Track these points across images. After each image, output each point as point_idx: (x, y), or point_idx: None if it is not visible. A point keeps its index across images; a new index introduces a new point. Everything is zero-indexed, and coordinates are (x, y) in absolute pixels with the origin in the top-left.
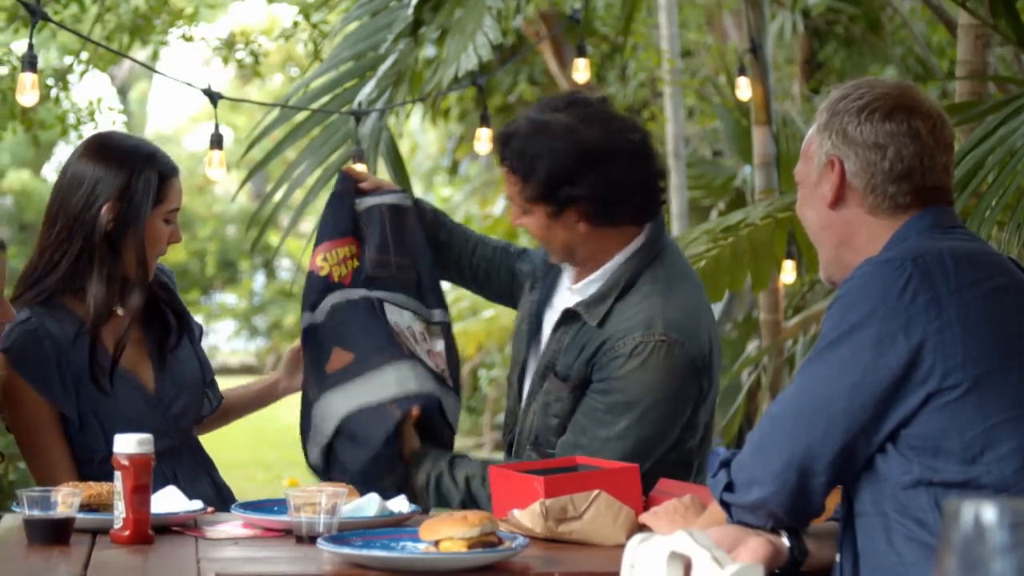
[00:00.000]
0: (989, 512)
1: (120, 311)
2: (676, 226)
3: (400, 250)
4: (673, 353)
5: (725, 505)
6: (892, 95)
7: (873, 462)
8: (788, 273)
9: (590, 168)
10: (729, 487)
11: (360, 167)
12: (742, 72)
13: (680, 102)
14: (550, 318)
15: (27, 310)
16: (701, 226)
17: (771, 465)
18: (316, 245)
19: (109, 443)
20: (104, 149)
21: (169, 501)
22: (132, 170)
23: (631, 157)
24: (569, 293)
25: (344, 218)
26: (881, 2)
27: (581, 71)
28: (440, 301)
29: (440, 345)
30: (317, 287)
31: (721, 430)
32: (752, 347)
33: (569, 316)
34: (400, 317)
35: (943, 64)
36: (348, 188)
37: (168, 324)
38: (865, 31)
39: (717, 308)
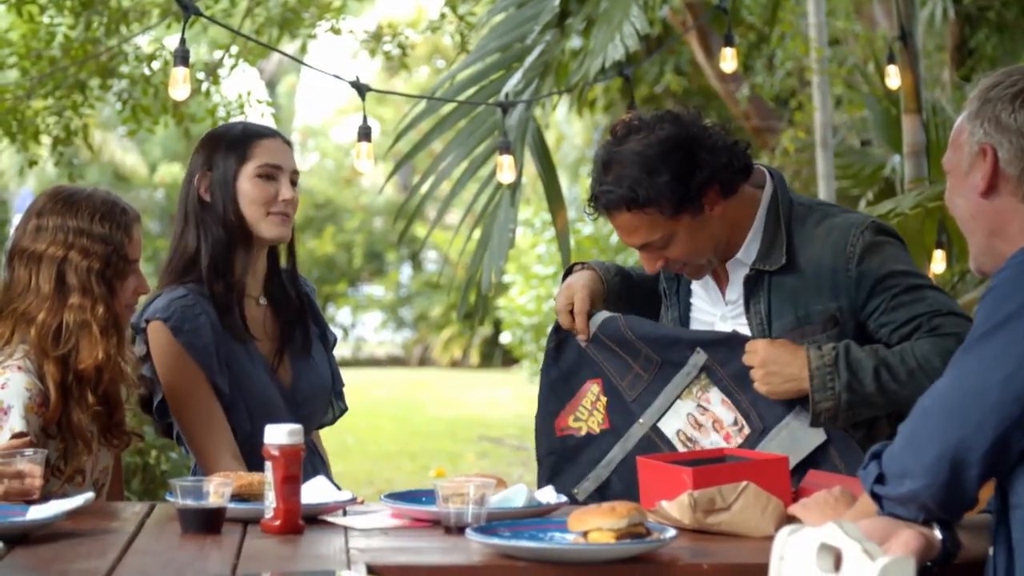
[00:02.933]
0: None
1: (257, 297)
2: None
3: (635, 353)
4: None
5: (876, 497)
6: None
7: None
8: (938, 263)
9: (687, 152)
10: (880, 479)
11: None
12: (891, 60)
13: (828, 91)
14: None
15: (182, 288)
16: None
17: (923, 457)
18: (554, 416)
19: (254, 423)
20: (205, 136)
21: (319, 491)
22: (213, 145)
23: (697, 126)
24: (713, 293)
25: (571, 369)
26: None
27: (729, 60)
28: (690, 344)
29: (714, 393)
30: (582, 446)
31: None
32: None
33: (752, 281)
34: (678, 420)
35: None
36: (561, 338)
37: (307, 326)
38: (1018, 16)
39: None
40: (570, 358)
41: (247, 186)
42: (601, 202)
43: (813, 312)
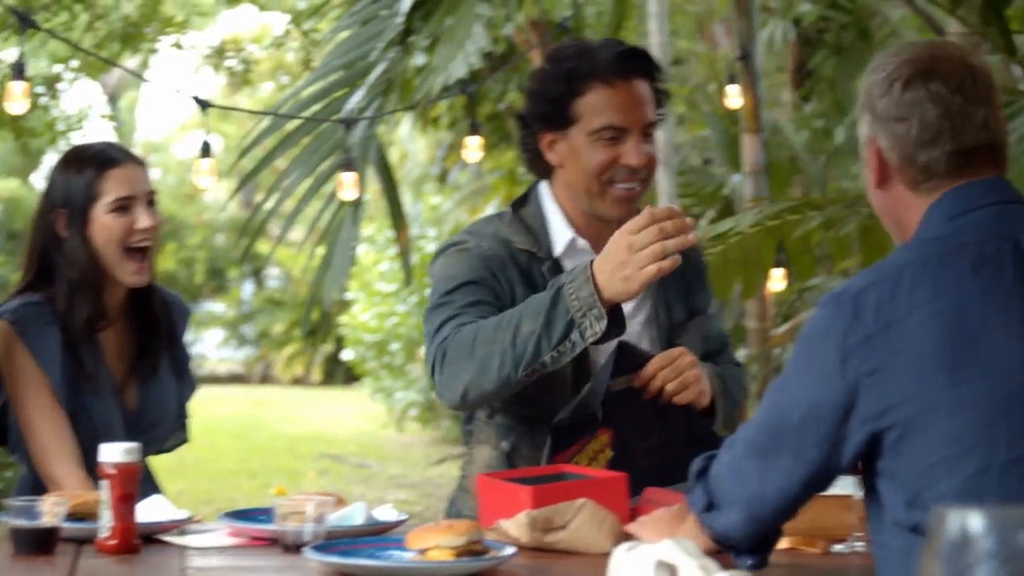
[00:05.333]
0: (975, 520)
1: (105, 320)
2: None
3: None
4: None
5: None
6: (913, 60)
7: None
8: (777, 281)
9: None
10: (710, 506)
11: None
12: (732, 80)
13: (671, 110)
14: None
15: (40, 295)
16: None
17: (740, 493)
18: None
19: (91, 443)
20: (62, 158)
21: (155, 510)
22: (69, 173)
23: None
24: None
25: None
26: (871, 10)
27: None
28: None
29: None
30: None
31: None
32: (741, 355)
33: None
34: None
35: None
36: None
37: (160, 350)
38: (855, 39)
39: None
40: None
41: (100, 224)
42: (643, 57)
43: (697, 302)
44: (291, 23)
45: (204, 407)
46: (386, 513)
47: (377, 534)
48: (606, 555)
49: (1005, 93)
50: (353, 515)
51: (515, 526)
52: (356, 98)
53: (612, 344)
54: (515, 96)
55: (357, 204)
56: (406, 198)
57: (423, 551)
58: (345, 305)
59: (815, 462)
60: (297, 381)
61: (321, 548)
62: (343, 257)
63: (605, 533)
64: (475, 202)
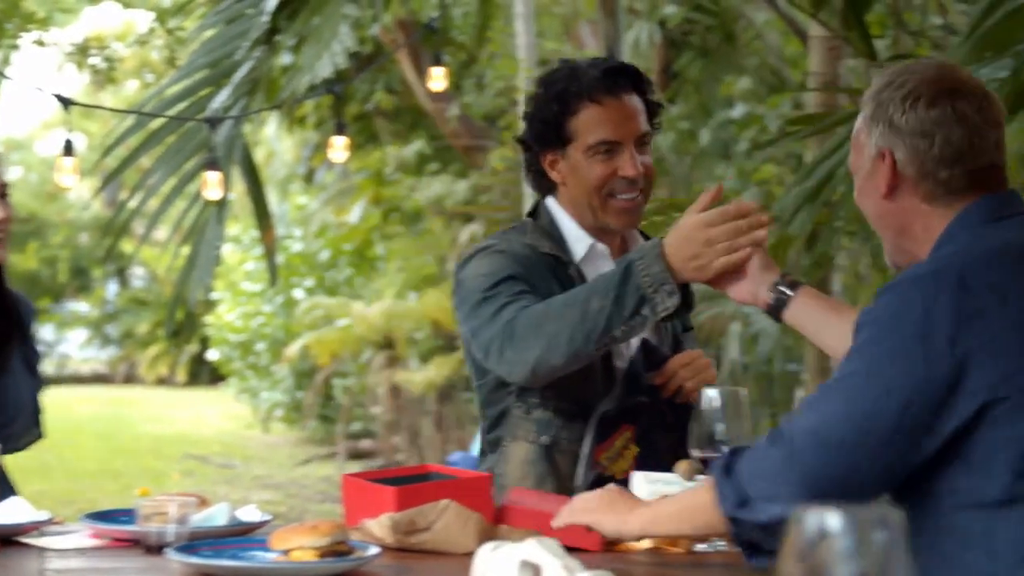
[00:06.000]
0: (833, 519)
1: None
2: None
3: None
4: None
5: (734, 522)
6: (934, 80)
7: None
8: None
9: None
10: (745, 503)
11: None
12: None
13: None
14: None
15: None
16: None
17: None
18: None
19: None
20: None
21: (14, 511)
22: None
23: None
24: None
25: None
26: (736, 13)
27: (438, 79)
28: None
29: None
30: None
31: None
32: None
33: None
34: None
35: (796, 75)
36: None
37: (11, 346)
38: (721, 42)
39: None
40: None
41: None
42: (630, 72)
43: (686, 319)
44: (156, 21)
45: (67, 407)
46: (250, 514)
47: (240, 535)
48: (470, 555)
49: None
50: (216, 516)
51: (379, 527)
52: (221, 97)
53: (634, 340)
54: (382, 96)
55: (222, 203)
56: (272, 198)
57: (287, 552)
58: (210, 305)
59: (906, 448)
60: (162, 381)
61: (184, 549)
62: (208, 257)
63: (469, 533)
64: (341, 202)
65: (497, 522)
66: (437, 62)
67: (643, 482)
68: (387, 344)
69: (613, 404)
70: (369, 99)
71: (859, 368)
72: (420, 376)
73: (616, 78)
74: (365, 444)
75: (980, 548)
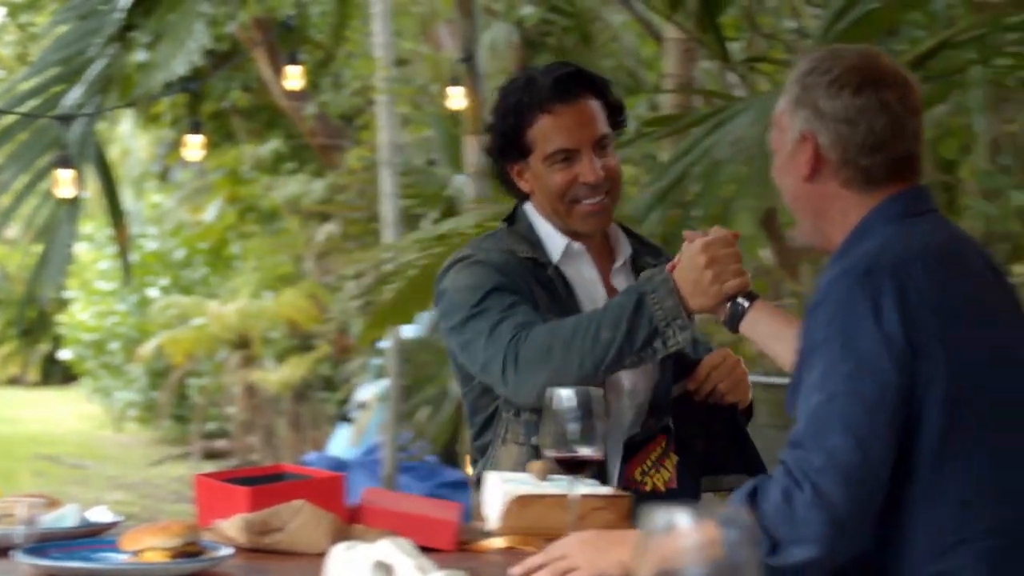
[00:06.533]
0: (682, 516)
1: None
2: (388, 234)
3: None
4: None
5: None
6: (859, 67)
7: None
8: None
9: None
10: (775, 548)
11: None
12: (455, 82)
13: (394, 111)
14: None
15: None
16: (412, 235)
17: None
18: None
19: None
20: None
21: None
22: None
23: None
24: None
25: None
26: (592, 14)
27: (293, 78)
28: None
29: None
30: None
31: (430, 437)
32: None
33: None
34: None
35: (652, 77)
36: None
37: None
38: (577, 43)
39: (427, 317)
40: None
41: None
42: (584, 77)
43: None
44: (7, 16)
45: None
46: (100, 514)
47: (91, 536)
48: (324, 555)
49: (721, 98)
50: (66, 517)
51: (232, 527)
52: (74, 94)
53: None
54: (238, 94)
55: (74, 201)
56: (127, 196)
57: (137, 553)
58: (63, 304)
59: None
60: (13, 381)
61: (32, 551)
62: (60, 255)
63: (323, 533)
64: (197, 201)
65: (352, 522)
66: (293, 61)
67: (498, 481)
68: (242, 343)
69: (638, 429)
70: (225, 97)
71: (839, 390)
72: (275, 376)
73: (568, 85)
74: (220, 444)
75: None
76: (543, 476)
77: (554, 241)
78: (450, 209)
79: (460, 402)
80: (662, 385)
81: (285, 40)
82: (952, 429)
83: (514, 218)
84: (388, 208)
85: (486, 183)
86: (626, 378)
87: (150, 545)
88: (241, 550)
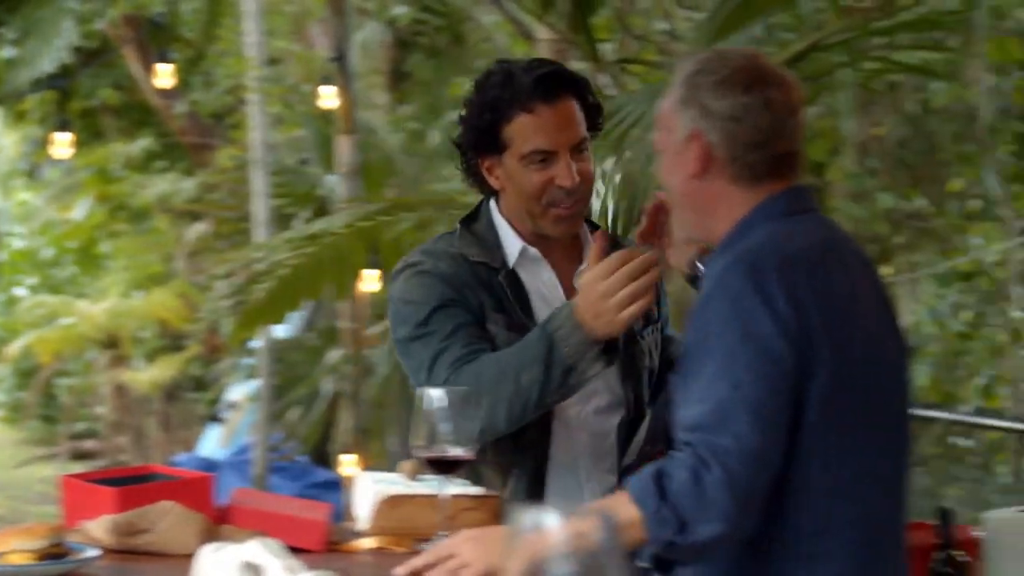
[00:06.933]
0: (550, 517)
1: None
2: (259, 234)
3: None
4: None
5: (671, 546)
6: (745, 68)
7: None
8: (370, 282)
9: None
10: (683, 527)
11: None
12: (327, 81)
13: (265, 110)
14: None
15: None
16: (284, 234)
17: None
18: None
19: None
20: None
21: None
22: None
23: None
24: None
25: None
26: (464, 14)
27: (163, 76)
28: None
29: None
30: None
31: (301, 437)
32: (334, 356)
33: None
34: None
35: None
36: None
37: None
38: (450, 42)
39: (299, 316)
40: None
41: None
42: (565, 77)
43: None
44: None
45: None
46: None
47: None
48: (192, 556)
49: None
50: None
51: (99, 528)
52: None
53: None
54: (108, 92)
55: None
56: None
57: (2, 555)
58: None
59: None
60: None
61: None
62: None
63: (192, 533)
64: (66, 199)
65: (221, 522)
66: (163, 59)
67: (368, 482)
68: (112, 343)
69: (633, 458)
70: (95, 95)
71: (743, 375)
72: (145, 376)
73: (550, 84)
74: (89, 445)
75: None
76: (413, 476)
77: (511, 243)
78: (322, 209)
79: (332, 402)
80: (658, 415)
81: (155, 38)
82: (826, 419)
83: (476, 215)
84: (259, 207)
85: (358, 182)
86: (592, 416)
87: (15, 547)
88: (108, 551)
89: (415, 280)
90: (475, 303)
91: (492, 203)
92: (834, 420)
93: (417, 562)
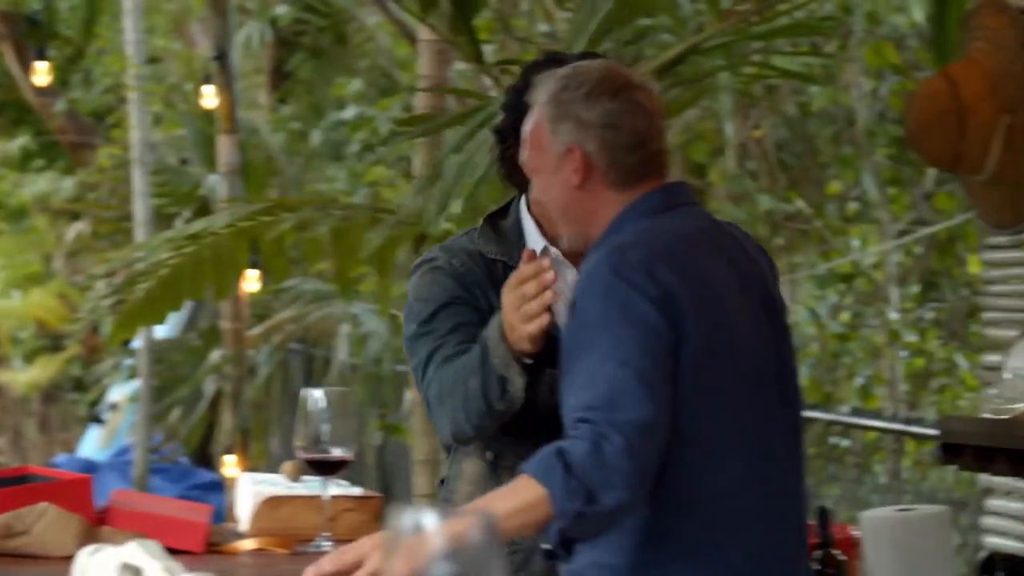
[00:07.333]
0: (429, 518)
1: None
2: (140, 233)
3: None
4: None
5: (580, 517)
6: (608, 77)
7: None
8: (252, 282)
9: None
10: (592, 497)
11: None
12: (208, 80)
13: (146, 109)
14: None
15: None
16: (164, 234)
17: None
18: None
19: None
20: None
21: None
22: None
23: None
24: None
25: None
26: (347, 14)
27: (40, 74)
28: None
29: None
30: None
31: (183, 439)
32: (216, 356)
33: None
34: None
35: (407, 78)
36: None
37: None
38: (332, 43)
39: (180, 317)
40: None
41: None
42: None
43: None
44: None
45: None
46: None
47: None
48: (71, 558)
49: (475, 99)
50: None
51: None
52: None
53: None
54: None
55: None
56: None
57: None
58: None
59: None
60: None
61: None
62: None
63: (69, 535)
64: None
65: (100, 524)
66: (41, 56)
67: (249, 483)
68: None
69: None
70: None
71: (629, 355)
72: (24, 376)
73: None
74: None
75: None
76: (295, 477)
77: (534, 242)
78: (203, 208)
79: (213, 403)
80: None
81: (32, 35)
82: (697, 391)
83: (505, 211)
84: (140, 207)
85: (239, 182)
86: None
87: None
88: None
89: (428, 277)
90: (484, 302)
91: (522, 200)
92: (693, 400)
93: (325, 567)
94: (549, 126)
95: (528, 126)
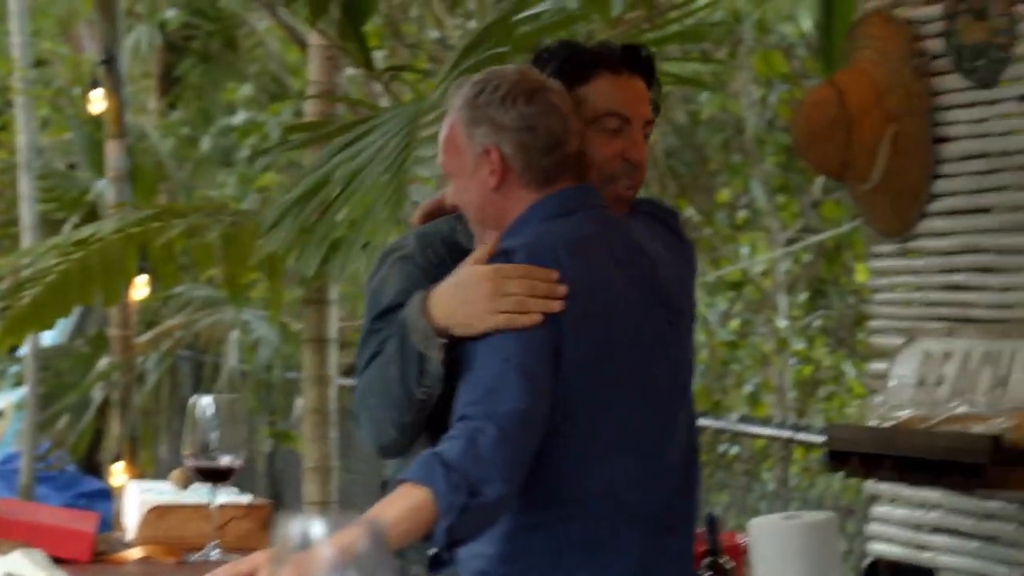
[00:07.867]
0: (317, 526)
1: None
2: (27, 239)
3: None
4: None
5: (464, 511)
6: (522, 80)
7: None
8: (140, 288)
9: None
10: (475, 490)
11: None
12: (96, 84)
13: (32, 112)
14: None
15: None
16: (52, 240)
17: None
18: None
19: None
20: None
21: None
22: None
23: None
24: None
25: None
26: (238, 19)
27: None
28: None
29: None
30: None
31: (70, 446)
32: (103, 363)
33: None
34: None
35: (297, 83)
36: None
37: None
38: (222, 47)
39: (68, 323)
40: None
41: None
42: (643, 55)
43: None
44: None
45: None
46: None
47: None
48: None
49: (366, 108)
50: None
51: None
52: None
53: None
54: None
55: None
56: None
57: None
58: None
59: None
60: None
61: None
62: None
63: None
64: None
65: None
66: None
67: (136, 491)
68: None
69: None
70: None
71: (511, 352)
72: None
73: (637, 57)
74: None
75: None
76: (184, 485)
77: None
78: (91, 214)
79: (101, 410)
80: None
81: None
82: (577, 391)
83: None
84: (27, 212)
85: (127, 187)
86: None
87: None
88: None
89: (395, 267)
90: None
91: None
92: (585, 391)
93: None
94: (465, 130)
95: (444, 131)
